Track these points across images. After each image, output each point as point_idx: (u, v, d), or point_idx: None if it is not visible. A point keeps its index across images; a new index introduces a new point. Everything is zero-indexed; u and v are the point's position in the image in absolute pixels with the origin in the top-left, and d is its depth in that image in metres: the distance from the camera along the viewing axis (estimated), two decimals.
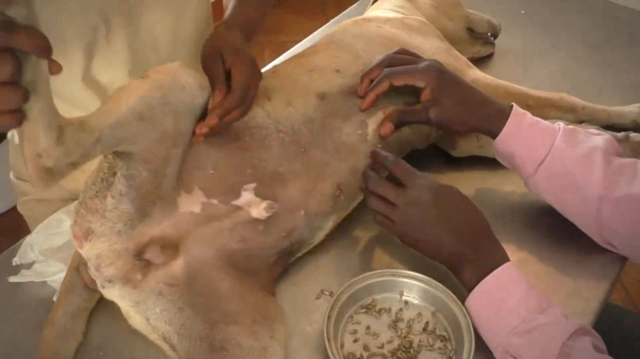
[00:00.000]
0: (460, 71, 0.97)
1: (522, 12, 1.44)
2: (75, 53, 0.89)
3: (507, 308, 0.74)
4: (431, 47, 1.02)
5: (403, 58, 0.92)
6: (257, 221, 0.80)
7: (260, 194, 0.81)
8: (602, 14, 1.44)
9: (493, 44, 1.29)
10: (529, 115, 0.88)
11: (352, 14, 1.39)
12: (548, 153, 0.85)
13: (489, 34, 1.27)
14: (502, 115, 0.87)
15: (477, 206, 0.82)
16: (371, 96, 0.90)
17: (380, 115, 0.91)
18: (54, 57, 0.57)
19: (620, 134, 1.00)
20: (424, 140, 1.00)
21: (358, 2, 1.49)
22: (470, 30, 1.23)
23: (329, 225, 0.88)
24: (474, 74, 1.03)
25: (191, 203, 0.78)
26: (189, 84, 0.73)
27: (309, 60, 0.96)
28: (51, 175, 0.63)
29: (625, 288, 1.96)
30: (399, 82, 0.89)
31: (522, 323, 0.73)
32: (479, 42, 1.26)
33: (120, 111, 0.67)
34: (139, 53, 0.95)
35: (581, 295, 0.84)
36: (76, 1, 0.86)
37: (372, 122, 0.91)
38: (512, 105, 0.88)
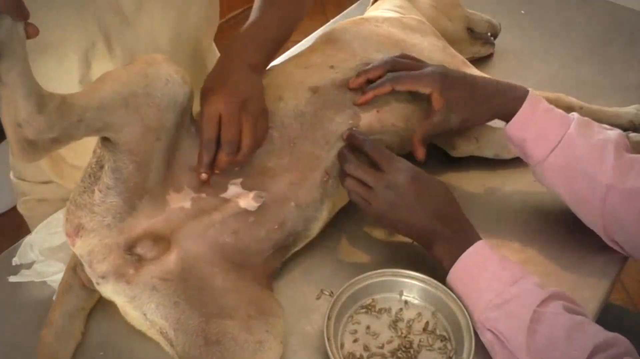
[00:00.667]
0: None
1: (522, 12, 1.44)
2: (73, 57, 0.89)
3: (483, 284, 0.76)
4: (428, 45, 1.02)
5: (406, 62, 0.91)
6: (247, 212, 0.81)
7: (247, 187, 0.82)
8: (602, 14, 1.44)
9: (493, 44, 1.29)
10: (544, 101, 0.88)
11: (352, 14, 1.39)
12: (561, 141, 0.85)
13: (489, 34, 1.27)
14: (517, 101, 0.87)
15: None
16: (370, 94, 0.89)
17: (373, 108, 0.91)
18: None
19: None
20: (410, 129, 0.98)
21: (358, 3, 1.49)
22: (470, 30, 1.23)
23: (323, 214, 0.87)
24: (470, 72, 1.03)
25: (181, 200, 0.79)
26: (172, 78, 0.73)
27: (304, 59, 0.96)
28: (33, 147, 0.63)
29: (625, 288, 1.96)
30: (402, 87, 0.89)
31: (496, 297, 0.74)
32: (479, 42, 1.26)
33: (105, 92, 0.68)
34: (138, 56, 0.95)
35: (582, 295, 0.84)
36: (73, 10, 0.86)
37: (365, 114, 0.91)
38: (527, 91, 0.88)
